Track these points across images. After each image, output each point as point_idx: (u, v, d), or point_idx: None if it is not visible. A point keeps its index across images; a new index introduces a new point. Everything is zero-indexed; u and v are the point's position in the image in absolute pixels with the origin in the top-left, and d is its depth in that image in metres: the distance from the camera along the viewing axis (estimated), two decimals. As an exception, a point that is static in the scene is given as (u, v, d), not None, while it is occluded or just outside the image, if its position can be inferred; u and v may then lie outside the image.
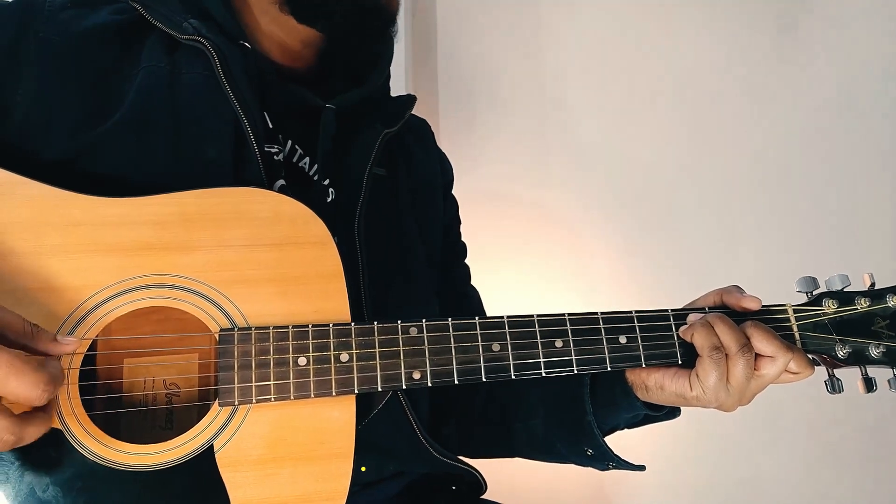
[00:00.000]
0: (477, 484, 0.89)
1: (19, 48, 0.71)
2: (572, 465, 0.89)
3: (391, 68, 0.94)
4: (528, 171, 1.74)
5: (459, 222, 1.05)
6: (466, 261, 1.05)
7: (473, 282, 1.05)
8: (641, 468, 0.82)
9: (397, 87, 0.99)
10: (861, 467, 1.65)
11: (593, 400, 0.81)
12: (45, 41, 0.72)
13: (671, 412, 0.81)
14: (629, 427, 0.84)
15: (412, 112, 0.95)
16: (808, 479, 1.65)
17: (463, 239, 1.06)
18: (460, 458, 0.86)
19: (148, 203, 0.67)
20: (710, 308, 0.76)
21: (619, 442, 0.83)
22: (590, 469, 0.87)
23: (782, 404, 1.60)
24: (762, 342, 0.70)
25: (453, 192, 1.05)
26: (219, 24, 0.78)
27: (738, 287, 0.77)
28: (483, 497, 0.91)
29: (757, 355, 0.70)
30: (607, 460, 0.83)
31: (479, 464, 0.89)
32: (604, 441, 0.81)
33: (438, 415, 0.94)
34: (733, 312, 0.75)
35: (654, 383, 0.75)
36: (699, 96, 1.73)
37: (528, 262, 1.67)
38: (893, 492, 1.64)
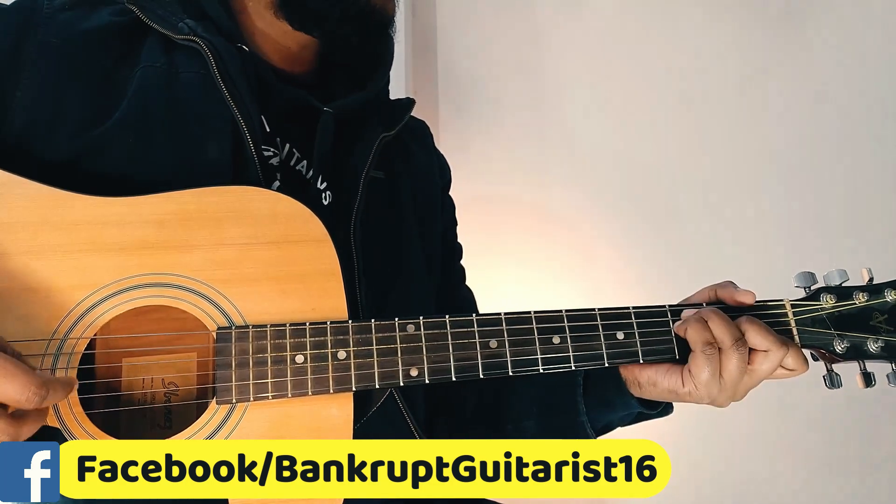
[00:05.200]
0: None
1: (19, 51, 0.71)
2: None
3: (391, 69, 0.93)
4: (528, 171, 1.73)
5: (456, 224, 1.05)
6: (463, 261, 1.04)
7: (474, 281, 1.04)
8: None
9: (397, 87, 0.98)
10: (863, 471, 1.64)
11: (587, 399, 0.81)
12: (44, 44, 0.72)
13: (664, 409, 0.81)
14: (623, 425, 0.84)
15: (411, 114, 0.94)
16: (809, 482, 1.64)
17: (463, 238, 1.05)
18: None
19: (146, 202, 0.67)
20: (706, 304, 0.76)
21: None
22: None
23: (782, 407, 1.59)
24: (756, 336, 0.69)
25: (451, 193, 1.04)
26: (215, 24, 0.78)
27: (731, 282, 0.76)
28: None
29: (751, 350, 0.70)
30: None
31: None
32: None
33: (430, 413, 0.93)
34: (729, 307, 0.74)
35: (646, 379, 0.75)
36: (699, 94, 1.72)
37: (528, 262, 1.67)
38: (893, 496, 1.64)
